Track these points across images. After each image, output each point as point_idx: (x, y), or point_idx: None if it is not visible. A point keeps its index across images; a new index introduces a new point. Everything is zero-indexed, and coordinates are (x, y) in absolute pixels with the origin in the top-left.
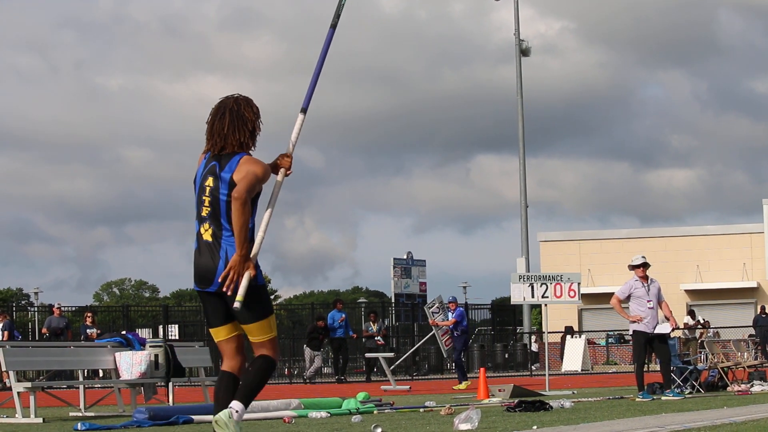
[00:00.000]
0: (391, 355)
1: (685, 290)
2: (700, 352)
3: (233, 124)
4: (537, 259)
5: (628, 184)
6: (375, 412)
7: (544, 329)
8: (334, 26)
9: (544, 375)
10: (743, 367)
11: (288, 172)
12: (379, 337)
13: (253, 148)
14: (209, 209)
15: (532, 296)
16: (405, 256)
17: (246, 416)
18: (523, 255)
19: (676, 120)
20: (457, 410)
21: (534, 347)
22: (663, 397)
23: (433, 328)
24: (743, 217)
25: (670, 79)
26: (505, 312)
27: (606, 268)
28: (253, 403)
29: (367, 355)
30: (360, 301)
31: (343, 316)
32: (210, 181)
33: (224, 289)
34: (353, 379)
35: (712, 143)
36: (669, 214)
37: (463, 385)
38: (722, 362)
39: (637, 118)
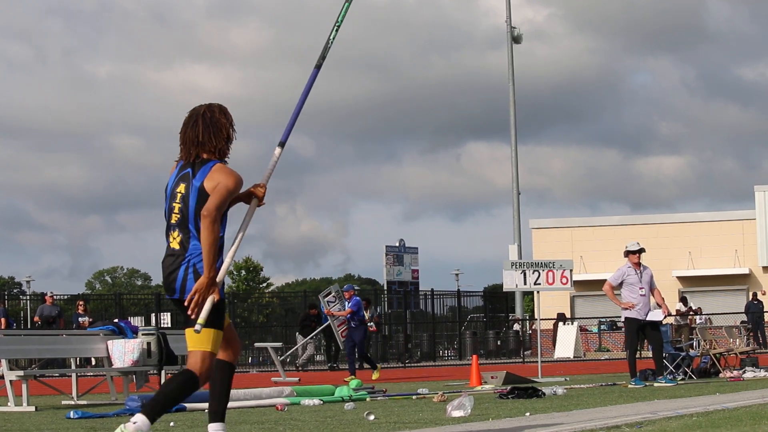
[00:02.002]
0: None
1: (677, 277)
2: (692, 338)
3: (208, 130)
4: (529, 246)
5: (617, 171)
6: (368, 399)
7: (536, 316)
8: (318, 66)
9: (537, 362)
10: (735, 354)
11: (261, 203)
12: (371, 323)
13: (228, 156)
14: (179, 216)
15: (525, 283)
16: (397, 244)
17: (238, 404)
18: (516, 242)
19: (665, 107)
20: (449, 397)
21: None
22: (655, 384)
23: (328, 318)
24: (734, 204)
25: (659, 66)
26: (497, 299)
27: (598, 254)
28: (246, 391)
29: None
30: None
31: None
32: (182, 188)
33: (189, 312)
34: (345, 366)
35: (701, 130)
36: (659, 201)
37: (375, 374)
38: (714, 349)
39: (626, 105)
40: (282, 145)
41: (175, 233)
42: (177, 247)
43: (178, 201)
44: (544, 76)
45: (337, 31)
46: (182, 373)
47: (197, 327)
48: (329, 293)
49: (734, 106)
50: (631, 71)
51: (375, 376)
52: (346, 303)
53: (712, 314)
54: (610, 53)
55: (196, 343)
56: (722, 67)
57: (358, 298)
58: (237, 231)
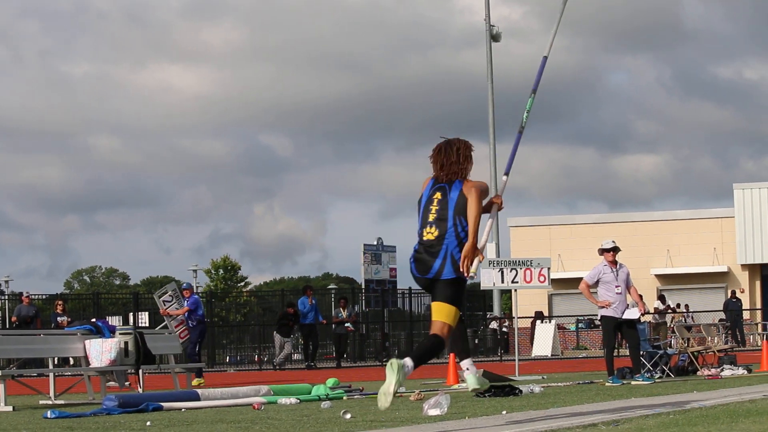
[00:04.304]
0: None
1: (656, 275)
2: (671, 337)
3: (458, 157)
4: (507, 245)
5: (595, 169)
6: (345, 398)
7: (514, 314)
8: (521, 132)
9: (514, 360)
10: (713, 352)
11: (501, 208)
12: (349, 324)
13: (469, 175)
14: (435, 216)
15: (502, 281)
16: (375, 242)
17: (215, 403)
18: (493, 240)
19: (642, 106)
20: (426, 396)
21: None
22: (633, 382)
23: (165, 318)
24: (713, 202)
25: (636, 65)
26: (475, 297)
27: (576, 253)
28: (222, 390)
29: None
30: (330, 287)
31: (314, 304)
32: (438, 195)
33: (461, 269)
34: (323, 365)
35: (679, 129)
36: (637, 200)
37: (195, 381)
38: (692, 347)
39: (603, 103)
40: (506, 174)
41: (432, 228)
42: (433, 238)
43: (435, 205)
44: (521, 75)
45: (528, 114)
46: (433, 337)
47: (471, 274)
48: (165, 292)
49: (711, 105)
50: (608, 70)
51: (195, 382)
52: (185, 301)
53: (691, 312)
54: (587, 52)
55: (442, 316)
56: (699, 65)
57: (196, 296)
58: (489, 223)
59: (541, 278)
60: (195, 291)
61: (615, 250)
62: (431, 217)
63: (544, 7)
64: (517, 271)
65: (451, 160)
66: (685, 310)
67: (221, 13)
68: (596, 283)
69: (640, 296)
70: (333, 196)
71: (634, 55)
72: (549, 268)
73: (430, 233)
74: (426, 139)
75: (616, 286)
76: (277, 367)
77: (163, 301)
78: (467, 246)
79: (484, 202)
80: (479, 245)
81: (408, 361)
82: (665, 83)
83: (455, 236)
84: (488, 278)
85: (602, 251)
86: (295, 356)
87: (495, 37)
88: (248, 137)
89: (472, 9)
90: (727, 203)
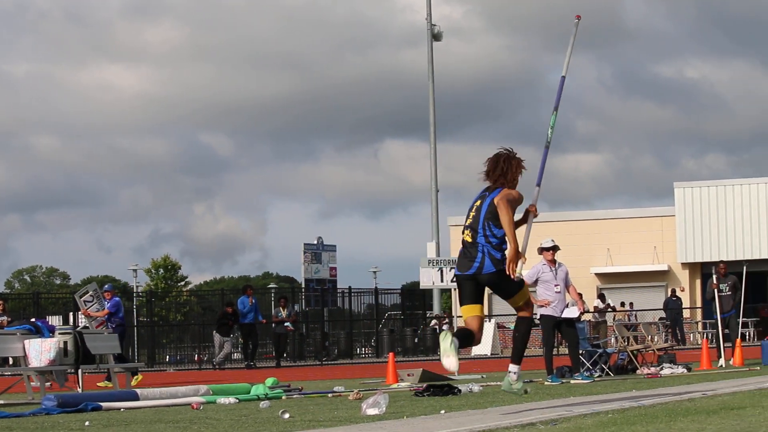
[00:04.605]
0: None
1: (596, 273)
2: (611, 336)
3: (505, 168)
4: (447, 244)
5: (535, 168)
6: (283, 397)
7: (453, 313)
8: (547, 146)
9: None
10: (653, 350)
11: (535, 215)
12: (288, 323)
13: (512, 185)
14: (471, 220)
15: (441, 280)
16: (315, 242)
17: (154, 403)
18: (434, 239)
19: (583, 105)
20: (365, 395)
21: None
22: (572, 381)
23: (85, 318)
24: (653, 201)
25: (576, 64)
26: (415, 296)
27: None
28: (161, 390)
29: None
30: (270, 286)
31: (254, 303)
32: (478, 203)
33: (507, 272)
34: (263, 365)
35: (619, 128)
36: (577, 199)
37: (102, 383)
38: (632, 345)
39: (544, 102)
40: (538, 185)
41: (469, 231)
42: (469, 240)
43: (473, 211)
44: (462, 74)
45: (552, 130)
46: (523, 320)
47: (517, 276)
48: (86, 292)
49: (652, 104)
50: (548, 69)
51: (102, 383)
52: (106, 303)
53: (631, 310)
54: (527, 51)
55: (520, 299)
56: (640, 64)
57: (117, 298)
58: (526, 229)
59: None
60: (126, 292)
61: (554, 249)
62: (468, 221)
63: (485, 6)
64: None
65: (495, 171)
66: (628, 309)
67: (161, 13)
68: (535, 282)
69: (580, 295)
70: (273, 195)
71: (575, 53)
72: None
73: (468, 235)
74: (366, 138)
75: (555, 285)
76: (217, 367)
77: (84, 301)
78: (510, 251)
79: (519, 213)
80: (520, 249)
81: (513, 368)
82: (606, 82)
83: (485, 239)
84: (427, 277)
85: (542, 250)
86: (235, 356)
87: (436, 36)
88: (188, 137)
89: (413, 8)
90: (667, 202)
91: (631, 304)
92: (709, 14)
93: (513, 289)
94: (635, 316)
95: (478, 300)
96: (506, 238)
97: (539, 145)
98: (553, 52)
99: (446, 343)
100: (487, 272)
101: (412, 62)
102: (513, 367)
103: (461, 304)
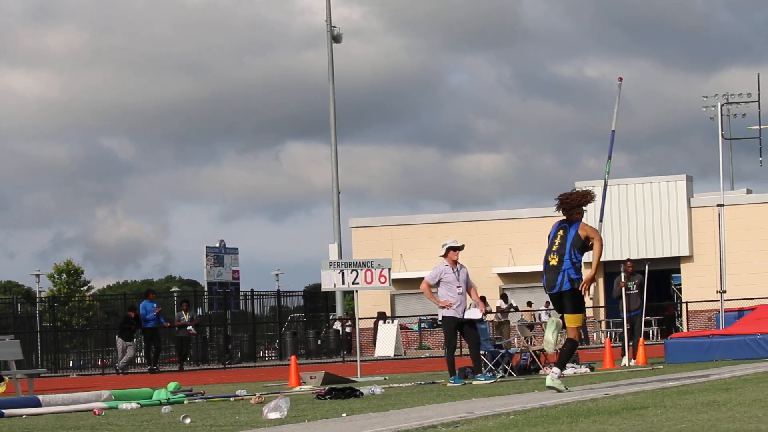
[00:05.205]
0: None
1: (498, 274)
2: (513, 336)
3: (576, 206)
4: (349, 246)
5: (436, 169)
6: (185, 402)
7: (356, 315)
8: (605, 188)
9: (356, 361)
10: (555, 350)
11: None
12: (191, 327)
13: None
14: (557, 247)
15: (343, 283)
16: (217, 245)
17: (56, 409)
18: (336, 241)
19: (483, 105)
20: (267, 399)
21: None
22: (474, 382)
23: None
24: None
25: (476, 65)
26: (317, 298)
27: (418, 253)
28: (64, 396)
29: None
30: (173, 290)
31: (156, 307)
32: (561, 232)
33: (582, 291)
34: (166, 369)
35: (519, 128)
36: (479, 199)
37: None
38: (534, 345)
39: (444, 103)
40: (601, 221)
41: (554, 256)
42: (555, 263)
43: (558, 239)
44: (362, 76)
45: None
46: (570, 341)
47: (590, 294)
48: None
49: (551, 104)
50: (448, 70)
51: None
52: None
53: (534, 310)
54: (427, 52)
55: (572, 323)
56: (539, 64)
57: None
58: (596, 257)
59: (382, 279)
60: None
61: (461, 248)
62: (555, 248)
63: (384, 8)
64: (357, 272)
65: (571, 208)
66: (535, 308)
67: (61, 18)
68: (437, 284)
69: (482, 297)
70: (175, 199)
71: (475, 54)
72: (390, 269)
73: (554, 259)
74: (266, 142)
75: (458, 287)
76: (120, 372)
77: None
78: (589, 275)
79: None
80: (593, 274)
81: (556, 370)
82: (505, 82)
83: (570, 262)
84: (328, 280)
85: (450, 249)
86: (139, 360)
87: (336, 38)
88: (89, 141)
89: (312, 10)
90: None
91: (529, 302)
92: (609, 13)
93: (575, 309)
94: (547, 314)
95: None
96: (590, 263)
97: (440, 145)
98: (453, 53)
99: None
100: (565, 290)
101: (313, 64)
102: (556, 369)
103: (557, 308)
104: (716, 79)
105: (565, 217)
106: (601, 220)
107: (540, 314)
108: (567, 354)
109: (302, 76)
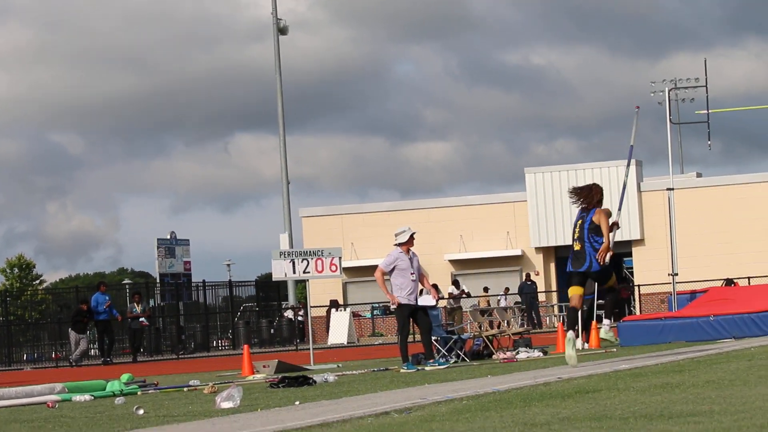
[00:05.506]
0: None
1: (450, 260)
2: (466, 322)
3: (595, 194)
4: (300, 235)
5: (385, 158)
6: (139, 393)
7: (308, 304)
8: (624, 187)
9: (309, 349)
10: (508, 335)
11: (618, 227)
12: (143, 318)
13: (600, 205)
14: (578, 234)
15: (294, 272)
16: (168, 236)
17: (9, 402)
18: (286, 231)
19: (430, 94)
20: (220, 388)
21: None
22: (427, 368)
23: None
24: (505, 187)
25: (422, 55)
26: (269, 288)
27: (369, 241)
28: (17, 389)
29: None
30: (125, 282)
31: (108, 300)
32: (580, 222)
33: (599, 261)
34: (120, 361)
35: (467, 116)
36: (429, 187)
37: None
38: (487, 330)
39: (391, 93)
40: (620, 209)
41: (577, 243)
42: (579, 249)
43: (578, 228)
44: (308, 67)
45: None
46: (613, 292)
47: (607, 262)
48: None
49: (498, 91)
50: (394, 60)
51: None
52: None
53: (486, 296)
54: (373, 42)
55: (611, 284)
56: (485, 53)
57: None
58: (611, 234)
59: (333, 267)
60: None
61: (413, 236)
62: (576, 236)
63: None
64: (308, 261)
65: (589, 199)
66: (492, 294)
67: (6, 15)
68: (391, 271)
69: (434, 285)
70: (125, 192)
71: (421, 44)
72: (340, 258)
73: (577, 245)
74: (215, 134)
75: (411, 273)
76: (74, 364)
77: None
78: (604, 245)
79: (610, 220)
80: (610, 245)
81: (606, 322)
82: (452, 71)
83: (591, 247)
84: (279, 269)
85: (412, 237)
86: (92, 352)
87: (282, 30)
88: (38, 136)
89: (257, 3)
90: (518, 187)
91: (485, 288)
92: (554, 1)
93: (607, 278)
94: (506, 299)
95: (583, 285)
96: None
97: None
98: (399, 43)
99: (570, 349)
100: (594, 270)
101: (259, 56)
102: (607, 321)
103: (570, 286)
104: (663, 64)
105: (583, 206)
106: (619, 209)
107: (499, 299)
108: (612, 304)
109: (249, 68)
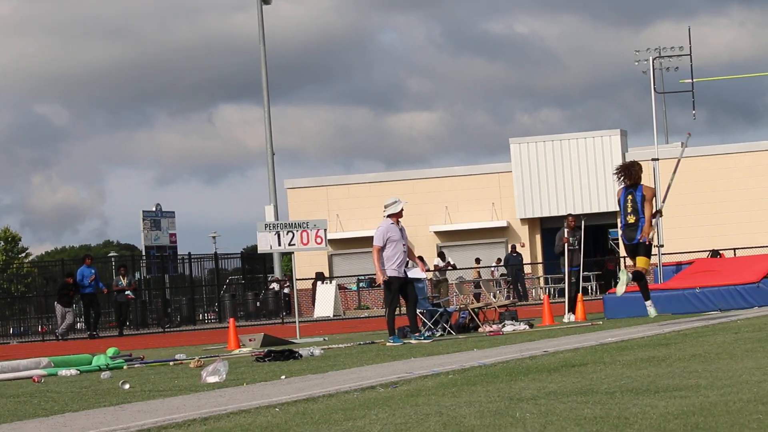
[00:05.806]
0: None
1: (435, 232)
2: (452, 294)
3: (639, 171)
4: (285, 207)
5: (369, 128)
6: (125, 367)
7: (294, 276)
8: (669, 186)
9: (295, 322)
10: (494, 308)
11: (661, 215)
12: (129, 291)
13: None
14: (631, 210)
15: (279, 244)
16: (154, 209)
17: None
18: (272, 203)
19: (414, 64)
20: (206, 362)
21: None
22: (413, 341)
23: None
24: (490, 157)
25: (406, 24)
26: (255, 260)
27: (354, 212)
28: (3, 364)
29: None
30: (110, 255)
31: (93, 273)
32: (630, 196)
33: (640, 239)
34: (106, 334)
35: (451, 85)
36: (413, 157)
37: None
38: (473, 303)
39: (375, 63)
40: (663, 201)
41: (632, 216)
42: (633, 221)
43: (630, 202)
44: (293, 37)
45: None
46: (643, 279)
47: (647, 240)
48: None
49: (482, 60)
50: (378, 29)
51: None
52: None
53: (472, 268)
54: (357, 12)
55: (645, 264)
56: (469, 22)
57: None
58: (654, 218)
59: (318, 240)
60: None
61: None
62: (629, 209)
63: None
64: (293, 233)
65: (634, 176)
66: (480, 266)
67: None
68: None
69: (420, 257)
70: (110, 163)
71: (404, 13)
72: (326, 230)
73: (631, 218)
74: (199, 104)
75: (403, 244)
76: (60, 338)
77: None
78: (646, 226)
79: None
80: (652, 224)
81: (649, 302)
82: (435, 41)
83: (644, 219)
84: (265, 241)
85: (401, 210)
86: (79, 326)
87: (266, 0)
88: (22, 108)
89: None
90: (503, 158)
91: (477, 259)
92: None
93: (647, 254)
94: (497, 270)
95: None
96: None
97: (373, 105)
98: (382, 12)
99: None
100: (643, 242)
101: (243, 26)
102: (649, 302)
103: (632, 257)
104: (648, 33)
105: (628, 183)
106: (663, 201)
107: (492, 270)
108: (646, 285)
109: (233, 38)
